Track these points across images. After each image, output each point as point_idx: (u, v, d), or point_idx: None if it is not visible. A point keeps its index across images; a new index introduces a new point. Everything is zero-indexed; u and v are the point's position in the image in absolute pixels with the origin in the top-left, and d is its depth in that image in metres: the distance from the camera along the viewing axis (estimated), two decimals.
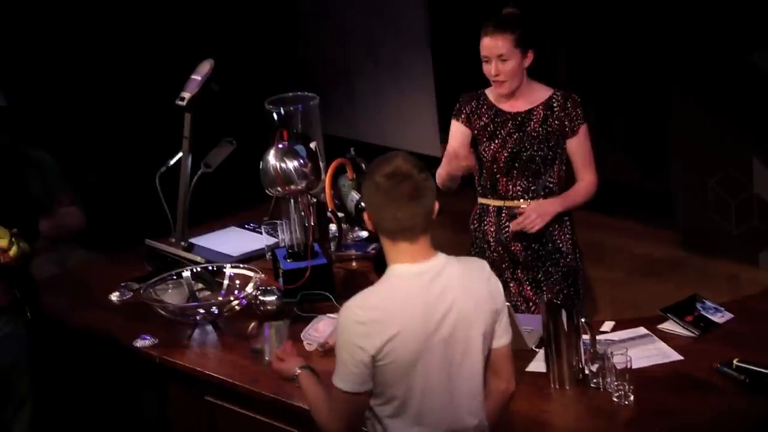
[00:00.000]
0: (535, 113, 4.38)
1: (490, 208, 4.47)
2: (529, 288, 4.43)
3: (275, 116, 4.50)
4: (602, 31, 6.82)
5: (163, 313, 4.30)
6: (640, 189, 6.90)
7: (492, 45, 4.30)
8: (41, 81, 6.89)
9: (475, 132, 4.44)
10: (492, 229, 4.45)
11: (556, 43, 7.01)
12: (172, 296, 4.41)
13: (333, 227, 4.69)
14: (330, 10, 7.95)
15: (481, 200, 4.51)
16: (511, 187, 4.42)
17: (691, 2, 6.25)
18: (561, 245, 4.43)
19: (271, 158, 4.39)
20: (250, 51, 7.61)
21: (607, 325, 4.07)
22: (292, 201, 4.45)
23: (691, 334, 3.98)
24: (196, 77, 4.74)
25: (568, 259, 4.44)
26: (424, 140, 7.59)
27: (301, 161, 4.39)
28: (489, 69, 4.33)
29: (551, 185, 4.41)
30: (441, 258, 3.15)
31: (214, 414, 4.13)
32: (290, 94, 4.64)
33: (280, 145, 4.40)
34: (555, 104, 4.38)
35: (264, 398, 3.89)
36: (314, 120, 4.63)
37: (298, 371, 3.36)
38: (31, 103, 6.60)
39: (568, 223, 4.46)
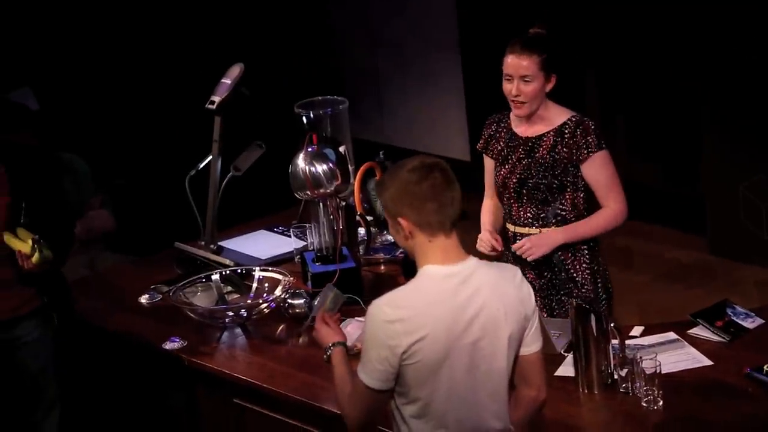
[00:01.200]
0: (545, 139, 4.26)
1: (509, 232, 4.39)
2: (545, 315, 4.34)
3: (304, 120, 4.51)
4: (634, 34, 6.80)
5: (192, 315, 4.31)
6: (669, 194, 6.88)
7: (517, 64, 4.19)
8: (72, 85, 6.92)
9: (492, 156, 4.39)
10: (509, 254, 4.38)
11: (587, 45, 7.00)
12: (201, 299, 4.42)
13: (362, 231, 4.69)
14: (360, 14, 7.96)
15: (506, 223, 4.43)
16: (522, 213, 4.31)
17: (720, 9, 6.23)
18: (575, 275, 4.29)
19: (301, 162, 4.40)
20: (280, 55, 7.63)
21: (637, 330, 4.06)
22: (321, 204, 4.46)
23: (722, 340, 3.97)
24: (226, 81, 4.75)
25: (583, 290, 4.28)
26: (453, 144, 7.60)
27: (330, 165, 4.39)
28: (510, 88, 4.21)
29: (563, 212, 4.27)
30: (472, 261, 3.16)
31: (242, 416, 4.14)
32: (320, 98, 4.64)
33: (310, 149, 4.41)
34: (566, 131, 4.24)
35: (292, 401, 3.90)
36: (343, 124, 4.63)
37: (332, 346, 3.35)
38: (62, 107, 6.64)
39: (586, 253, 4.30)
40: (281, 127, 4.91)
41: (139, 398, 4.51)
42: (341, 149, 4.47)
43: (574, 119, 4.26)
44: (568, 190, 4.26)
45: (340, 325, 4.06)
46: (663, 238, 6.70)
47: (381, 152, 4.76)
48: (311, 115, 4.50)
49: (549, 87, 4.24)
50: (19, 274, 4.18)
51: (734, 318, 4.04)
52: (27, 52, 6.74)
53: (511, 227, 4.37)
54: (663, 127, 6.93)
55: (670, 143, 6.93)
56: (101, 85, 7.04)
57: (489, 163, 4.44)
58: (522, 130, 4.32)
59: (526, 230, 4.31)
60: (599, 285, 4.33)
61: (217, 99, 4.72)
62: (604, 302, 4.32)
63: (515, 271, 3.23)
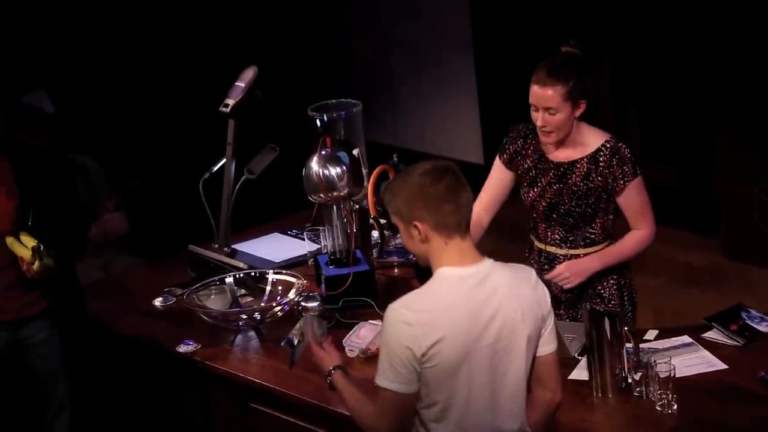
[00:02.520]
0: (578, 166, 4.14)
1: (534, 246, 4.34)
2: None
3: (318, 123, 4.51)
4: (647, 38, 6.79)
5: (205, 318, 4.32)
6: (684, 196, 6.86)
7: (541, 95, 4.05)
8: (87, 88, 6.94)
9: (518, 173, 4.27)
10: (535, 267, 4.27)
11: (601, 50, 6.99)
12: (214, 302, 4.43)
13: (375, 234, 4.69)
14: (374, 17, 7.96)
15: (531, 235, 4.37)
16: (549, 234, 4.26)
17: (736, 10, 6.22)
18: (602, 291, 4.25)
19: (314, 165, 4.40)
20: (293, 58, 7.64)
21: (651, 334, 4.05)
22: (334, 207, 4.46)
23: (736, 343, 3.96)
24: (240, 84, 4.75)
25: (610, 305, 4.23)
26: (467, 147, 7.59)
27: (344, 168, 4.39)
28: (536, 117, 4.09)
29: (593, 236, 4.22)
30: (488, 263, 3.16)
31: (256, 419, 4.14)
32: (333, 100, 4.64)
33: (323, 152, 4.41)
34: (601, 159, 4.12)
35: (306, 404, 3.90)
36: (357, 127, 4.63)
37: (332, 370, 3.35)
38: (76, 109, 6.65)
39: (613, 268, 4.24)
40: (295, 129, 4.91)
41: (152, 401, 4.52)
42: (355, 152, 4.47)
43: (608, 145, 4.14)
44: (599, 215, 4.20)
45: (353, 330, 4.07)
46: (677, 241, 6.68)
47: (394, 155, 4.76)
48: (325, 118, 4.50)
49: (578, 113, 4.10)
50: (25, 275, 4.18)
51: (749, 321, 4.03)
52: (42, 55, 6.76)
53: (538, 243, 4.32)
54: (677, 129, 6.92)
55: (684, 145, 6.92)
56: (116, 87, 7.05)
57: (500, 176, 4.32)
58: (553, 154, 4.20)
59: (553, 249, 4.27)
60: (625, 298, 4.30)
61: (231, 102, 4.72)
62: (629, 314, 4.29)
63: (530, 272, 3.23)
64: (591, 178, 4.15)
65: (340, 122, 4.54)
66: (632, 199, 4.16)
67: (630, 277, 4.33)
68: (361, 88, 7.87)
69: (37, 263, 4.09)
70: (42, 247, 4.08)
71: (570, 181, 4.17)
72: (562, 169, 4.19)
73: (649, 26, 6.78)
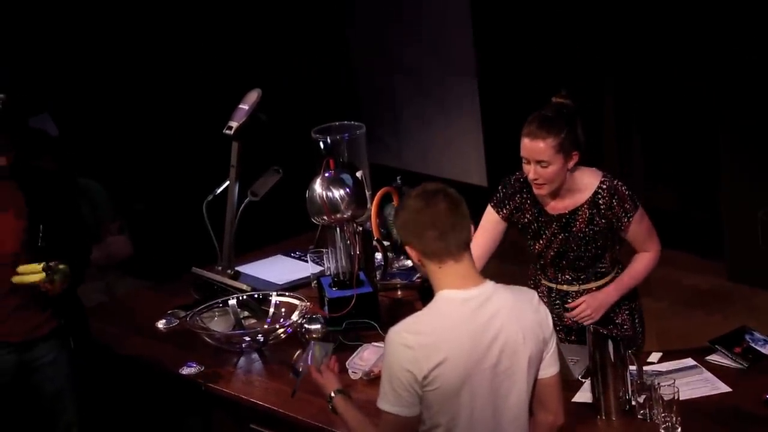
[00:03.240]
0: (580, 213, 4.12)
1: (542, 283, 4.31)
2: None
3: (322, 145, 4.51)
4: (651, 60, 6.80)
5: (209, 340, 4.31)
6: (688, 219, 6.86)
7: (532, 148, 3.99)
8: (90, 111, 6.95)
9: (519, 226, 4.25)
10: (546, 303, 4.15)
11: (604, 71, 7.00)
12: (218, 324, 4.43)
13: (379, 256, 4.69)
14: (378, 39, 7.98)
15: (537, 274, 4.33)
16: (560, 275, 4.25)
17: (739, 31, 6.23)
18: (615, 317, 4.25)
19: (318, 187, 4.40)
20: (297, 80, 7.65)
21: (655, 356, 4.05)
22: (338, 229, 4.46)
23: (740, 366, 3.95)
24: (244, 106, 4.76)
25: (623, 329, 4.22)
26: (470, 170, 7.59)
27: (347, 190, 4.39)
28: (528, 170, 4.03)
29: (603, 269, 4.22)
30: (489, 285, 3.15)
31: None
32: (337, 123, 4.65)
33: (327, 174, 4.41)
34: (601, 201, 4.10)
35: (309, 426, 3.89)
36: (361, 149, 4.63)
37: (333, 394, 3.34)
38: (80, 132, 6.67)
39: (625, 295, 4.25)
40: (298, 152, 4.91)
41: (156, 423, 4.51)
42: (358, 174, 4.47)
43: (605, 186, 4.12)
44: (608, 251, 4.21)
45: (356, 352, 4.06)
46: (681, 264, 6.68)
47: (398, 177, 4.76)
48: (328, 140, 4.51)
49: (571, 164, 4.06)
50: (35, 296, 4.20)
51: (753, 344, 4.02)
52: (45, 77, 6.78)
53: (547, 283, 4.29)
54: (681, 152, 6.92)
55: (688, 169, 6.92)
56: (119, 110, 7.07)
57: (495, 226, 4.23)
58: (551, 206, 4.17)
59: (566, 287, 4.26)
60: (636, 321, 4.30)
61: (234, 124, 4.73)
62: (640, 337, 4.30)
63: (532, 294, 3.23)
64: (595, 222, 4.14)
65: (344, 144, 4.55)
66: (636, 230, 4.18)
67: (639, 301, 4.34)
68: (365, 110, 7.88)
69: (56, 275, 4.12)
70: (49, 263, 4.11)
71: (575, 229, 4.15)
72: (564, 220, 4.17)
73: (651, 50, 6.79)
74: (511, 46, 7.31)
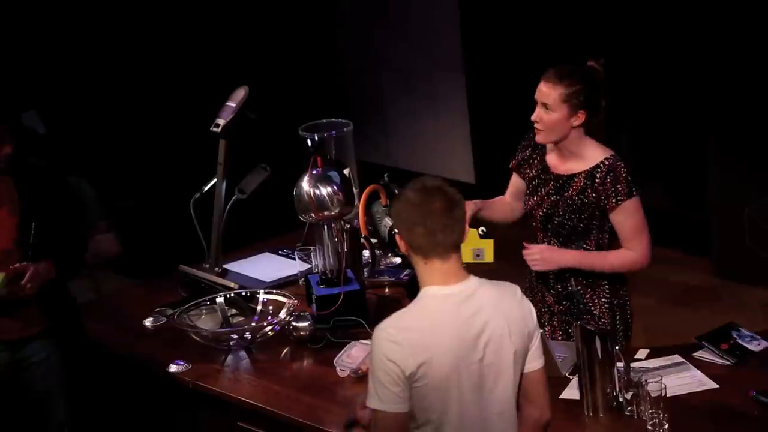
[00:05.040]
0: (576, 180, 4.17)
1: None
2: (560, 339, 4.28)
3: (309, 142, 4.51)
4: (639, 57, 6.81)
5: (196, 338, 4.31)
6: (675, 217, 6.87)
7: (541, 89, 4.11)
8: (77, 108, 6.94)
9: (525, 181, 4.34)
10: (532, 276, 4.34)
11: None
12: (205, 322, 4.42)
13: (366, 253, 4.69)
14: (365, 36, 7.98)
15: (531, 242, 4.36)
16: (546, 242, 4.27)
17: (728, 31, 6.24)
18: (593, 308, 4.25)
19: (305, 184, 4.40)
20: (284, 78, 7.65)
21: (642, 353, 4.05)
22: (325, 227, 4.46)
23: (727, 362, 3.95)
24: (231, 104, 4.76)
25: (600, 323, 4.21)
26: (457, 166, 7.60)
27: (335, 187, 4.39)
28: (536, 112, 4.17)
29: (587, 249, 4.22)
30: (473, 281, 3.16)
31: None
32: (324, 120, 4.65)
33: (314, 172, 4.41)
34: (597, 175, 4.13)
35: (297, 424, 3.89)
36: (348, 146, 4.63)
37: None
38: (67, 130, 6.66)
39: (606, 288, 4.24)
40: (286, 149, 4.91)
41: (143, 421, 4.50)
42: (346, 172, 4.47)
43: (607, 162, 4.14)
44: (593, 232, 4.20)
45: (344, 350, 4.06)
46: (669, 261, 6.69)
47: (386, 174, 4.75)
48: (316, 138, 4.51)
49: (576, 122, 4.11)
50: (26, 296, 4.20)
51: (740, 341, 4.03)
52: (32, 75, 6.76)
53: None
54: (668, 149, 6.93)
55: (675, 166, 6.93)
56: (106, 107, 7.05)
57: (514, 180, 4.41)
58: (555, 164, 4.24)
59: None
60: (617, 318, 4.28)
61: (221, 122, 4.73)
62: (621, 335, 4.28)
63: (515, 289, 3.24)
64: (586, 194, 4.16)
65: (331, 142, 4.55)
66: (624, 219, 4.15)
67: (625, 299, 4.32)
68: (353, 107, 7.88)
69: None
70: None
71: (566, 194, 4.19)
72: (561, 182, 4.21)
73: (640, 47, 6.80)
74: (498, 42, 7.32)
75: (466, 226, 3.18)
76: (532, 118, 4.15)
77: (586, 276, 4.24)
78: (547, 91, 4.10)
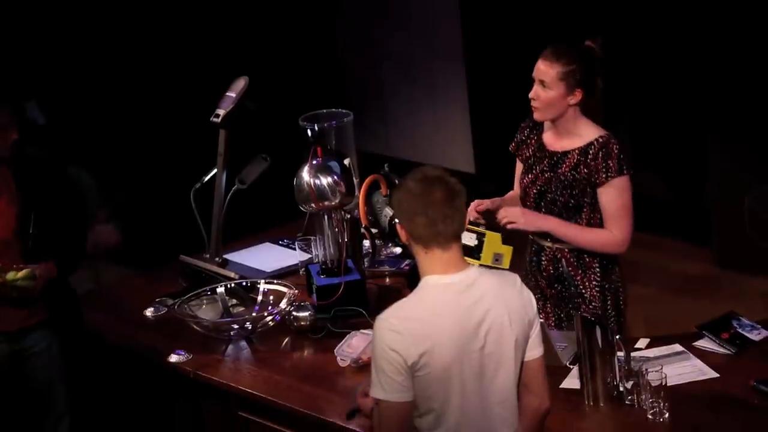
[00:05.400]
0: (569, 157, 4.20)
1: (529, 237, 4.37)
2: (553, 325, 4.32)
3: (309, 133, 4.51)
4: (639, 47, 6.80)
5: (197, 328, 4.31)
6: (676, 206, 6.87)
7: (539, 67, 4.16)
8: (77, 98, 6.93)
9: (522, 161, 4.38)
10: (527, 259, 4.40)
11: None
12: (206, 312, 4.43)
13: (367, 243, 4.69)
14: (365, 26, 7.97)
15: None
16: None
17: (729, 20, 6.23)
18: (584, 291, 4.26)
19: (305, 174, 4.40)
20: (284, 68, 7.64)
21: (642, 342, 4.05)
22: (325, 217, 4.46)
23: (727, 352, 3.96)
24: (231, 94, 4.76)
25: (591, 306, 4.24)
26: (458, 156, 7.59)
27: (335, 177, 4.39)
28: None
29: None
30: (473, 270, 3.17)
31: (247, 429, 4.13)
32: (324, 110, 4.65)
33: (314, 162, 4.41)
34: (591, 151, 4.16)
35: (297, 413, 3.90)
36: (348, 136, 4.63)
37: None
38: (66, 120, 6.65)
39: (597, 270, 4.25)
40: (286, 139, 4.91)
41: (144, 411, 4.51)
42: (346, 162, 4.47)
43: (600, 140, 4.17)
44: (585, 210, 4.22)
45: (345, 339, 4.07)
46: (669, 250, 6.69)
47: (386, 164, 4.76)
48: (316, 128, 4.51)
49: (572, 101, 4.16)
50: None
51: (740, 330, 4.04)
52: (31, 65, 6.75)
53: (530, 234, 4.35)
54: (668, 139, 6.93)
55: (675, 155, 6.93)
56: (106, 97, 7.05)
57: (519, 165, 4.44)
58: (550, 142, 4.28)
59: (539, 240, 4.31)
60: (608, 302, 4.29)
61: (222, 112, 4.73)
62: (612, 319, 4.28)
63: (515, 278, 3.26)
64: (578, 170, 4.19)
65: (332, 132, 4.55)
66: (610, 197, 4.16)
67: (617, 284, 4.32)
68: (353, 97, 7.88)
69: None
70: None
71: (559, 171, 4.22)
72: (555, 158, 4.25)
73: (639, 37, 6.79)
74: (498, 33, 7.31)
75: (467, 216, 3.18)
76: (530, 95, 4.19)
77: (578, 257, 4.25)
78: (545, 69, 4.15)
